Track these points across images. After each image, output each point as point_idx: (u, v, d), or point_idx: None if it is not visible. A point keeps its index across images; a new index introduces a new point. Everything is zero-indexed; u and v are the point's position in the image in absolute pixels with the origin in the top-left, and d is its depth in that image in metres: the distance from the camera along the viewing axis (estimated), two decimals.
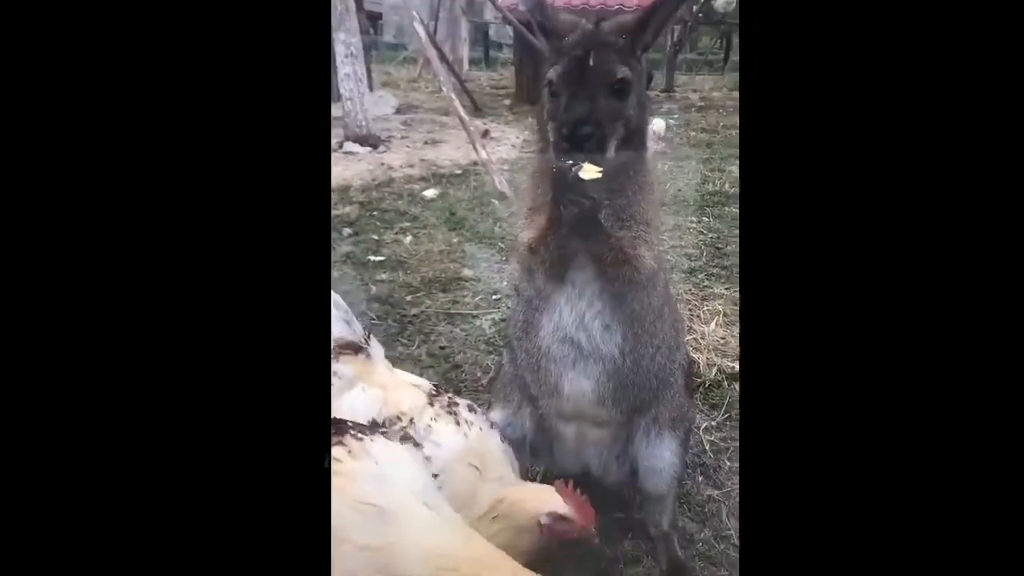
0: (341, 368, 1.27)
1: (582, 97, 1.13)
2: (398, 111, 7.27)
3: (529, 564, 1.01)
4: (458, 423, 1.21)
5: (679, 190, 4.36)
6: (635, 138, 1.21)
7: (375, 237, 3.38)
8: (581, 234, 1.17)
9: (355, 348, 1.31)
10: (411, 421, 1.17)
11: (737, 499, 1.65)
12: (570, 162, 1.08)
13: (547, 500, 1.14)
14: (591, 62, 1.13)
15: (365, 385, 1.26)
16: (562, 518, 1.11)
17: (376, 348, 1.35)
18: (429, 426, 1.17)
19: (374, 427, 1.13)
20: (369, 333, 1.38)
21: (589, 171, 1.06)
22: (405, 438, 1.14)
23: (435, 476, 1.09)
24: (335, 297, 1.33)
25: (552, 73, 1.17)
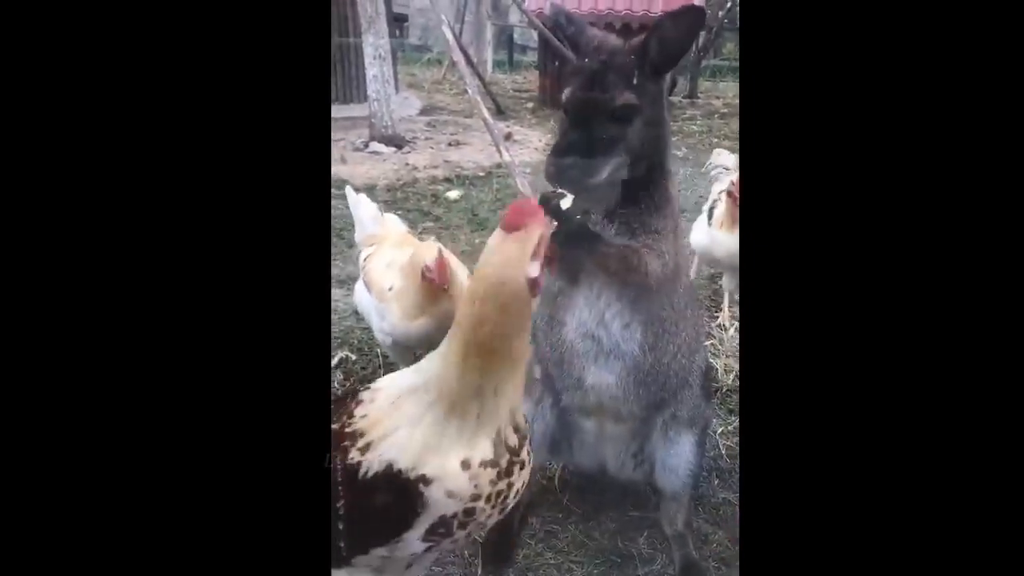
0: None
1: (576, 127, 1.15)
2: (422, 112, 7.32)
3: None
4: None
5: (700, 196, 4.35)
6: (646, 161, 1.21)
7: None
8: (580, 247, 1.19)
9: None
10: None
11: None
12: (555, 191, 1.09)
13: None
14: (595, 87, 1.15)
15: None
16: None
17: None
18: None
19: None
20: None
21: (571, 202, 1.04)
22: None
23: None
24: None
25: (564, 94, 1.20)
